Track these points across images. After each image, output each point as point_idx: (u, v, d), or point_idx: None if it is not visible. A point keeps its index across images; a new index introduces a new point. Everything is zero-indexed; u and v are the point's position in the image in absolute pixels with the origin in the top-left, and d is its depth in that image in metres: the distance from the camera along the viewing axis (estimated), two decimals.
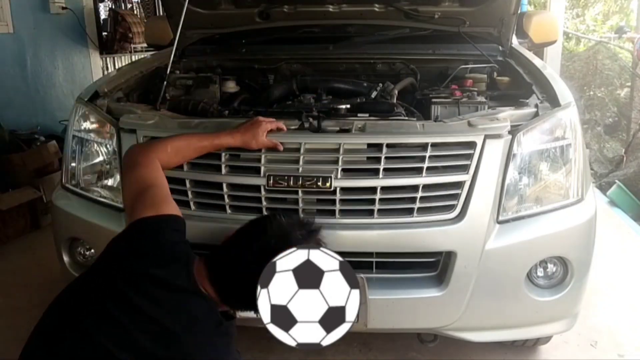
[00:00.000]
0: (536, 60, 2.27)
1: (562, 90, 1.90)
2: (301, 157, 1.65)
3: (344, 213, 1.66)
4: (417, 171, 1.63)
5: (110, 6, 5.70)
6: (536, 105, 1.79)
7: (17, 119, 4.19)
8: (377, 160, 1.63)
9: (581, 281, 1.76)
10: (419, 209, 1.64)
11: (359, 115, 1.86)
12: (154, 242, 1.37)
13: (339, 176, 1.62)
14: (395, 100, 2.07)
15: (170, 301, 1.29)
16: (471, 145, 1.64)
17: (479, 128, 1.65)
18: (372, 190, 1.64)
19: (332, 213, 1.65)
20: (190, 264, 1.37)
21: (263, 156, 1.66)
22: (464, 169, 1.64)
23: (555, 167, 1.75)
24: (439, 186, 1.65)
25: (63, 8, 4.69)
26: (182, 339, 1.26)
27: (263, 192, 1.65)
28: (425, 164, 1.62)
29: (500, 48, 2.45)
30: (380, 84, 2.15)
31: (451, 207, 1.65)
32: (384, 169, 1.62)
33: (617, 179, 4.19)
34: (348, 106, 1.95)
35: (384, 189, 1.63)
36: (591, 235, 1.78)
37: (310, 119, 1.74)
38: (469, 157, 1.64)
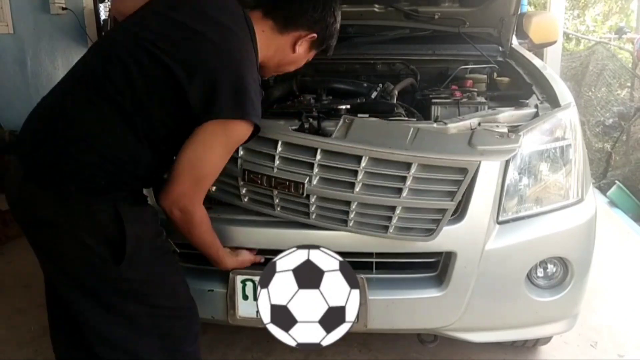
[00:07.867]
0: (536, 61, 2.27)
1: (562, 90, 1.90)
2: (277, 156, 1.57)
3: (319, 217, 1.60)
4: (397, 191, 1.53)
5: (110, 7, 5.70)
6: (536, 106, 1.79)
7: (17, 119, 4.15)
8: (355, 173, 1.53)
9: (581, 281, 1.76)
10: (397, 227, 1.57)
11: (358, 115, 1.85)
12: None
13: (313, 183, 1.55)
14: (395, 101, 2.07)
15: None
16: (462, 171, 1.52)
17: (478, 150, 1.52)
18: (347, 202, 1.56)
19: (307, 215, 1.60)
20: None
21: (240, 148, 1.57)
22: (449, 195, 1.53)
23: (555, 167, 1.75)
24: (419, 210, 1.56)
25: (63, 9, 4.69)
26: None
27: (240, 183, 1.62)
28: (407, 185, 1.52)
29: (500, 48, 2.44)
30: (380, 85, 2.15)
31: (430, 231, 1.58)
32: (363, 184, 1.53)
33: (616, 179, 4.19)
34: (348, 107, 1.94)
35: (360, 204, 1.55)
36: (591, 236, 1.78)
37: (310, 120, 1.74)
38: (457, 183, 1.52)
